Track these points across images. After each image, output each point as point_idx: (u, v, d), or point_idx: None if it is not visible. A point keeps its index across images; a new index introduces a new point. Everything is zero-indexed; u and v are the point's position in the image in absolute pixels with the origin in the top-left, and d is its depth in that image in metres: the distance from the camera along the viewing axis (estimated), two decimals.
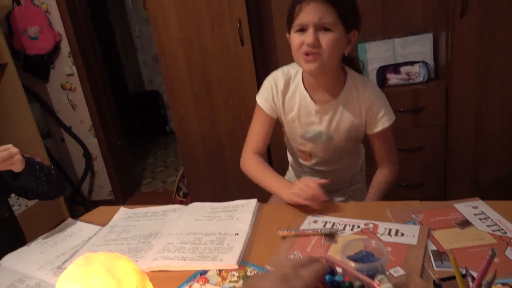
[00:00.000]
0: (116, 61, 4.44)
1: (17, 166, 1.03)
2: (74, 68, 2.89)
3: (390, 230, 0.86)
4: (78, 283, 0.51)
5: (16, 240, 1.17)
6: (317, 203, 0.98)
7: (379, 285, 0.47)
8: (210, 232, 0.97)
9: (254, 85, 2.03)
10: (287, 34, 1.06)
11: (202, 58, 2.06)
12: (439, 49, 1.94)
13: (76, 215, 2.85)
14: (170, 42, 2.08)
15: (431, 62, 1.97)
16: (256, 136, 1.19)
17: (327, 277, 0.55)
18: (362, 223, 0.91)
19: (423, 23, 1.96)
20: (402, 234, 0.83)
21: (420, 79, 1.92)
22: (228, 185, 2.29)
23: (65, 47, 2.86)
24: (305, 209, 1.01)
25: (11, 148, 1.02)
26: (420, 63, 1.92)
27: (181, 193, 2.66)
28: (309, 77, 1.09)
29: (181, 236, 0.97)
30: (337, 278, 0.55)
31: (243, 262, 0.85)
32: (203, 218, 1.05)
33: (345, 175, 1.29)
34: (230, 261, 0.84)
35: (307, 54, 0.97)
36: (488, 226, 0.82)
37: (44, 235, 1.12)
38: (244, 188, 2.25)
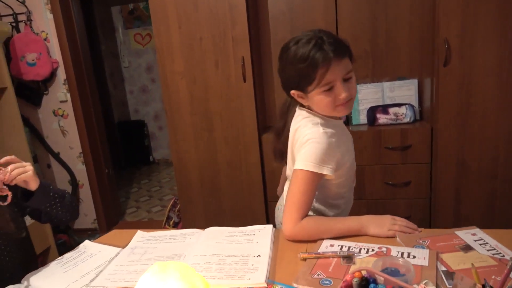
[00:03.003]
0: (104, 90, 4.48)
1: (31, 183, 1.07)
2: (68, 95, 2.92)
3: (402, 253, 0.94)
4: (157, 286, 0.56)
5: (29, 260, 1.18)
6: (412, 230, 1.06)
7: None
8: (233, 254, 1.03)
9: (254, 119, 2.14)
10: (296, 92, 1.09)
11: (205, 91, 2.16)
12: (424, 93, 2.14)
13: (59, 244, 2.78)
14: (174, 75, 2.17)
15: (416, 104, 2.15)
16: (310, 201, 1.09)
17: (371, 286, 0.62)
18: (375, 247, 0.99)
19: (409, 70, 2.17)
20: (414, 257, 0.92)
21: (407, 119, 2.10)
22: (222, 216, 2.33)
23: (61, 74, 2.91)
24: None
25: (27, 166, 1.06)
26: (407, 105, 2.10)
27: (171, 222, 2.66)
28: (321, 109, 1.11)
29: (205, 257, 1.02)
30: (380, 286, 0.62)
31: (270, 281, 0.91)
32: (223, 241, 1.10)
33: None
34: (258, 279, 0.90)
35: (343, 104, 1.06)
36: (487, 250, 0.93)
37: (61, 257, 1.13)
38: (238, 219, 2.30)
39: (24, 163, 1.07)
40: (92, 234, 3.09)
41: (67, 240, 2.89)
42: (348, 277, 0.65)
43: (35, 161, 3.03)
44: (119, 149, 4.79)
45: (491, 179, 1.95)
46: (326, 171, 1.06)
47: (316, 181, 1.08)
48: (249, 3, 2.06)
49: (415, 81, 2.15)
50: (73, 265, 1.06)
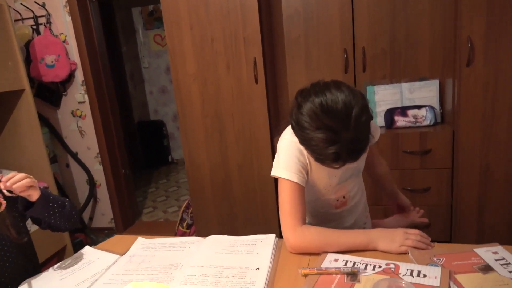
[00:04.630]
0: (124, 91, 4.53)
1: (33, 196, 1.06)
2: (86, 96, 2.96)
3: (412, 271, 0.87)
4: None
5: (31, 265, 1.17)
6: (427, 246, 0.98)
7: None
8: (231, 265, 0.98)
9: (266, 122, 2.08)
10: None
11: (216, 93, 2.13)
12: (445, 95, 2.03)
13: (76, 242, 2.82)
14: (186, 77, 2.15)
15: (437, 106, 2.04)
16: (301, 208, 1.06)
17: None
18: (383, 263, 0.92)
19: (430, 70, 2.06)
20: (424, 276, 0.85)
21: (427, 122, 1.99)
22: (234, 219, 2.29)
23: (79, 75, 2.94)
24: None
25: (33, 179, 1.05)
26: (427, 107, 2.00)
27: (184, 224, 2.64)
28: None
29: (202, 268, 0.98)
30: None
31: None
32: (222, 251, 1.06)
33: (362, 206, 1.29)
34: None
35: None
36: (510, 272, 0.84)
37: (61, 262, 1.12)
38: (250, 222, 2.26)
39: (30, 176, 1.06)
40: (109, 233, 3.13)
41: (84, 239, 2.93)
42: None
43: (54, 160, 3.09)
44: (139, 149, 4.83)
45: None
46: (293, 178, 1.04)
47: (295, 186, 1.05)
48: (261, 2, 2.01)
49: (436, 82, 2.04)
50: (70, 272, 1.05)
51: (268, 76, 2.10)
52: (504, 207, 1.87)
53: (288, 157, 1.06)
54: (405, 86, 2.07)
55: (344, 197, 1.19)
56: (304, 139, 0.93)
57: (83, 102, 2.99)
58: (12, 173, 1.02)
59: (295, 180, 1.05)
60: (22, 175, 1.02)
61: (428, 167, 1.95)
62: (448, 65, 1.97)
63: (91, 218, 3.20)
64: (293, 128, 0.97)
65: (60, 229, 1.24)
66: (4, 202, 1.00)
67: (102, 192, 3.14)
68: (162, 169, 4.82)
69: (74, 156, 3.10)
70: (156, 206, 3.63)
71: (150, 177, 4.54)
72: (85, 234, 3.00)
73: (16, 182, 1.00)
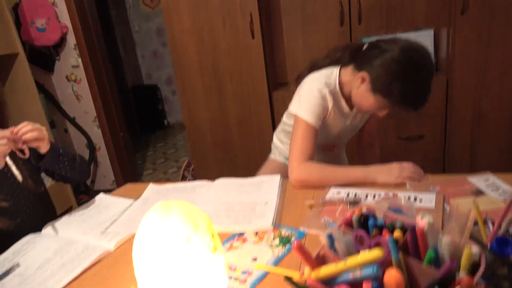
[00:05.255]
0: (116, 56, 4.47)
1: (43, 148, 1.10)
2: (79, 60, 2.93)
3: (409, 197, 0.95)
4: (160, 223, 0.58)
5: (49, 214, 1.23)
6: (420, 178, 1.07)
7: (421, 219, 0.55)
8: (241, 202, 1.05)
9: (263, 77, 2.11)
10: (366, 78, 1.10)
11: (213, 50, 2.13)
12: (440, 44, 2.05)
13: (81, 204, 2.89)
14: (182, 34, 2.14)
15: (431, 56, 2.07)
16: (311, 148, 1.15)
17: (370, 221, 0.63)
18: (382, 192, 1.00)
19: (425, 20, 2.07)
20: (421, 200, 0.92)
21: None
22: (235, 174, 2.35)
23: (70, 39, 2.90)
24: None
25: (44, 129, 1.09)
26: None
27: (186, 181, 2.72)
28: (348, 89, 1.19)
29: (214, 205, 1.04)
30: (379, 221, 0.63)
31: (277, 225, 0.93)
32: (232, 191, 1.13)
33: (342, 158, 1.51)
34: (265, 223, 0.92)
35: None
36: (499, 195, 0.92)
37: (76, 209, 1.19)
38: (251, 176, 2.34)
39: (42, 127, 1.10)
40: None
41: (88, 200, 3.00)
42: (348, 214, 0.66)
43: (52, 126, 3.10)
44: (134, 114, 4.83)
45: (510, 130, 1.90)
46: (312, 120, 1.15)
47: (311, 128, 1.16)
48: None
49: (431, 32, 2.06)
50: (89, 216, 1.11)
51: (265, 31, 2.10)
52: (495, 150, 1.95)
53: (312, 101, 1.16)
54: (400, 36, 2.09)
55: (334, 145, 1.36)
56: (407, 73, 1.04)
57: (77, 66, 2.97)
58: (23, 123, 1.05)
59: (313, 123, 1.15)
60: (30, 127, 1.05)
61: (422, 115, 2.01)
62: (443, 14, 1.98)
63: (93, 181, 3.26)
64: (383, 73, 1.06)
65: (72, 181, 1.30)
66: (26, 147, 1.04)
67: (102, 155, 3.18)
68: (159, 134, 4.85)
69: (72, 121, 3.11)
70: (156, 168, 3.70)
71: (147, 142, 4.58)
72: (89, 196, 3.08)
73: (25, 134, 1.04)
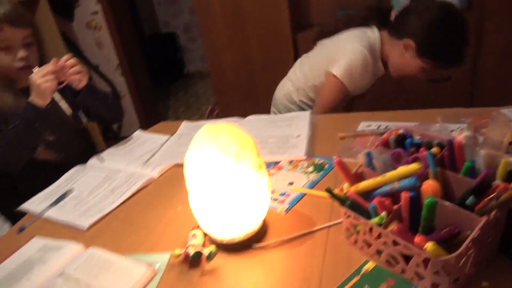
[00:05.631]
0: (132, 3, 4.38)
1: (81, 82, 1.13)
2: (99, 6, 2.91)
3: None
4: (209, 142, 0.63)
5: (90, 149, 1.30)
6: None
7: (459, 134, 0.58)
8: (274, 135, 1.09)
9: (287, 19, 2.06)
10: (412, 46, 1.14)
11: None
12: None
13: None
14: None
15: None
16: (337, 107, 1.28)
17: (408, 140, 0.66)
18: (412, 125, 1.02)
19: None
20: (452, 130, 0.94)
21: None
22: None
23: None
24: (357, 117, 1.12)
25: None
26: None
27: None
28: (385, 53, 1.25)
29: None
30: (416, 140, 0.66)
31: (309, 154, 0.97)
32: (263, 126, 1.17)
33: None
34: (298, 153, 0.96)
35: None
36: None
37: (116, 145, 1.25)
38: None
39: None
40: None
41: None
42: (385, 135, 0.69)
43: None
44: (153, 63, 4.81)
45: None
46: (349, 85, 1.22)
47: (345, 91, 1.23)
48: None
49: None
50: (129, 150, 1.18)
51: None
52: None
53: (355, 66, 1.20)
54: None
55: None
56: (450, 38, 1.11)
57: (96, 12, 2.95)
58: (66, 56, 1.08)
59: (348, 87, 1.23)
60: (74, 61, 1.09)
61: None
62: None
63: (119, 127, 3.36)
64: (428, 31, 1.11)
65: (106, 120, 1.34)
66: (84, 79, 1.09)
67: (127, 103, 3.25)
68: (179, 83, 4.86)
69: (95, 69, 3.15)
70: (179, 116, 3.76)
71: (168, 91, 4.60)
72: (117, 141, 3.18)
73: (69, 66, 1.07)
